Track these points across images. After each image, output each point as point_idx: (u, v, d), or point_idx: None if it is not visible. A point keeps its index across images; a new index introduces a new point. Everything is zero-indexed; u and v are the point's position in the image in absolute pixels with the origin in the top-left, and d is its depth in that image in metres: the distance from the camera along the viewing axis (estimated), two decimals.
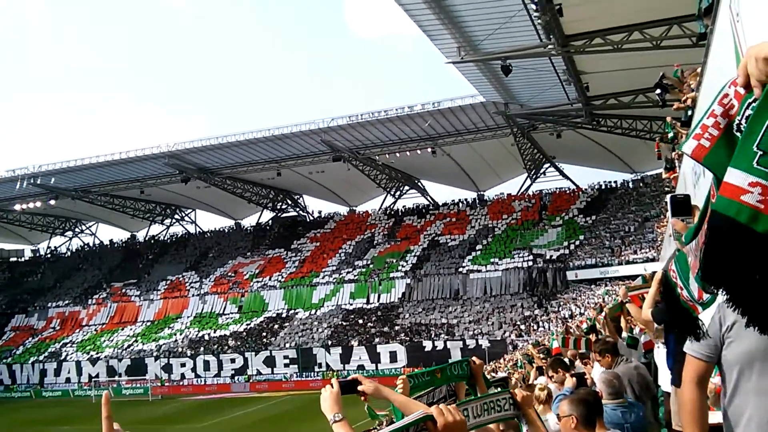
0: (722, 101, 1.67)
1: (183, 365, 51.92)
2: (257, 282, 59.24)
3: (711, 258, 1.47)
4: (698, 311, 2.28)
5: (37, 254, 78.86)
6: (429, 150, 51.45)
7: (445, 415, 2.09)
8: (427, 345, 45.87)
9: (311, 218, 68.67)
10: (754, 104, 1.43)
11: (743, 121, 1.47)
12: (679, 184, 12.39)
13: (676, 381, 5.41)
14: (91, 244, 77.36)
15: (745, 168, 1.40)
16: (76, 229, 77.60)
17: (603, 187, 57.56)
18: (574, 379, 6.69)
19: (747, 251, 1.39)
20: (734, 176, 1.41)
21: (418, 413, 2.19)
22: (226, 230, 72.15)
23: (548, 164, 58.71)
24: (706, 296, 2.21)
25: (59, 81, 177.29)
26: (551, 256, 50.53)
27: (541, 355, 12.42)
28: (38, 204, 63.70)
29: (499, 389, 3.60)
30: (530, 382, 10.24)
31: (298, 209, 70.22)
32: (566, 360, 9.71)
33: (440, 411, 2.11)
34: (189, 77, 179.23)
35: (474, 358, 3.70)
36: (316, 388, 45.00)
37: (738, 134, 1.51)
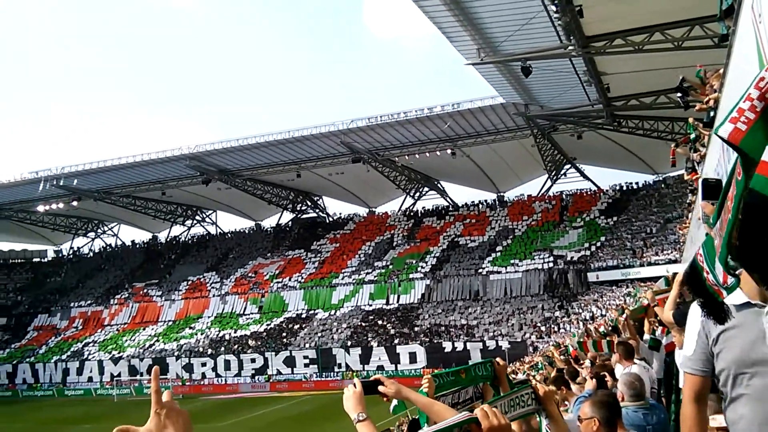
0: (758, 85, 1.67)
1: (204, 365, 52.25)
2: (277, 282, 59.49)
3: (746, 235, 1.48)
4: (723, 296, 2.29)
5: (60, 255, 79.80)
6: (448, 151, 51.39)
7: (490, 418, 2.07)
8: (447, 346, 45.79)
9: (331, 219, 68.83)
10: None
11: None
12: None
13: None
14: (113, 245, 78.18)
15: None
16: (99, 230, 78.42)
17: (624, 188, 57.16)
18: (595, 380, 6.68)
19: None
20: None
21: (462, 415, 2.19)
22: (247, 231, 72.53)
23: (569, 165, 58.41)
24: (730, 280, 2.22)
25: (77, 84, 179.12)
26: (572, 258, 50.25)
27: (562, 357, 12.40)
28: (61, 205, 64.42)
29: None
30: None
31: (317, 210, 70.43)
32: (579, 367, 9.69)
33: (485, 414, 2.09)
34: (209, 80, 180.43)
35: (498, 359, 3.72)
36: (335, 388, 45.22)
37: None
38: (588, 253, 50.11)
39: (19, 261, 78.09)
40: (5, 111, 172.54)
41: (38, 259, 79.26)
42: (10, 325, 66.92)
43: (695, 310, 2.33)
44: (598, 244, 50.67)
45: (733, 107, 1.65)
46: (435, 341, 46.71)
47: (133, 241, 77.27)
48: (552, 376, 7.33)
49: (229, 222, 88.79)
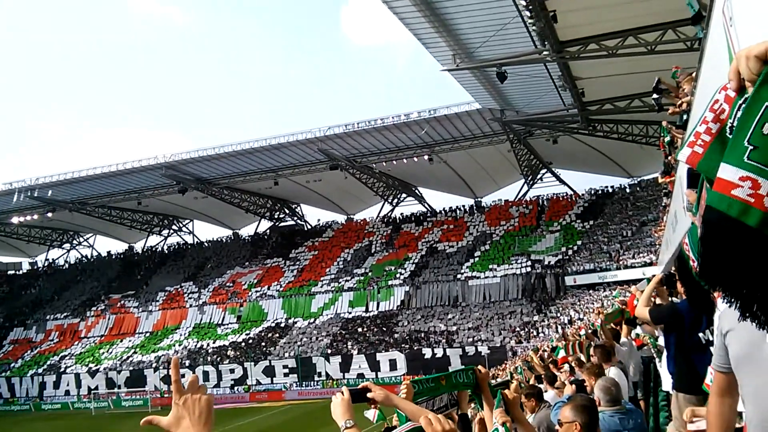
0: (713, 107, 1.71)
1: (182, 376, 51.27)
2: (256, 291, 59.16)
3: (706, 253, 1.48)
4: None
5: (35, 267, 78.79)
6: (426, 157, 51.51)
7: (434, 425, 2.10)
8: (427, 352, 45.77)
9: (309, 227, 68.65)
10: (744, 105, 1.45)
11: (735, 123, 1.49)
12: (676, 187, 12.41)
13: (677, 385, 5.41)
14: (89, 256, 77.30)
15: (736, 163, 1.42)
16: (74, 242, 77.54)
17: (600, 192, 57.64)
18: (574, 386, 6.68)
19: (739, 245, 1.41)
20: (726, 171, 1.43)
21: (407, 425, 2.19)
22: (224, 240, 72.10)
23: (545, 170, 58.81)
24: None
25: (50, 95, 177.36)
26: (549, 262, 50.54)
27: (542, 363, 12.40)
28: (36, 216, 63.70)
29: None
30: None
31: (295, 218, 70.23)
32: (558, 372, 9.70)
33: (428, 421, 2.12)
34: (184, 89, 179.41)
35: (480, 367, 3.70)
36: (316, 397, 45.01)
37: (730, 136, 1.52)
38: (565, 257, 50.44)
39: None
40: None
41: (13, 272, 78.12)
42: None
43: (720, 305, 2.32)
44: (575, 248, 51.01)
45: (690, 131, 1.69)
46: (415, 348, 46.68)
47: (109, 252, 76.46)
48: (526, 386, 7.31)
49: (206, 231, 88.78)
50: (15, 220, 65.12)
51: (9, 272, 77.83)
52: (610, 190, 57.42)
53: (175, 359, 1.95)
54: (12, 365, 59.85)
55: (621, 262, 45.74)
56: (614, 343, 7.98)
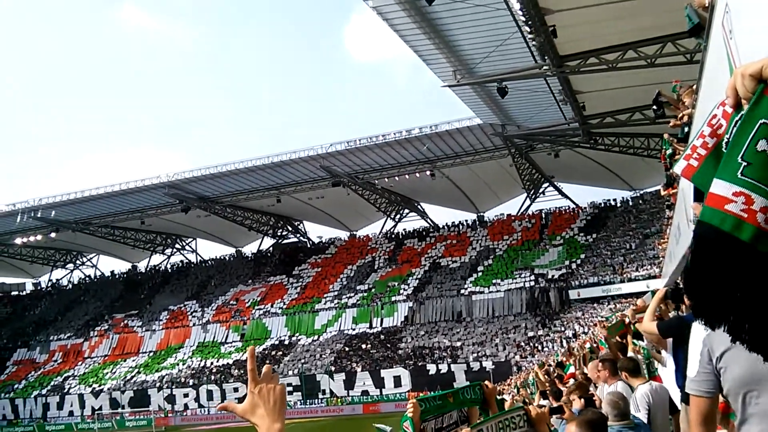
0: (711, 122, 1.74)
1: (186, 395, 51.56)
2: (259, 309, 59.05)
3: (696, 267, 1.49)
4: None
5: (39, 287, 78.74)
6: (428, 173, 51.58)
7: None
8: (431, 368, 45.59)
9: (312, 244, 68.64)
10: (739, 121, 1.47)
11: (731, 138, 1.51)
12: (679, 199, 12.41)
13: (686, 399, 5.38)
14: (92, 276, 77.27)
15: (730, 178, 1.43)
16: (77, 261, 77.55)
17: (602, 205, 57.61)
18: (582, 400, 6.63)
19: (731, 260, 1.41)
20: (719, 186, 1.45)
21: None
22: (227, 258, 72.08)
23: (547, 184, 58.83)
24: None
25: (55, 117, 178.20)
26: (553, 276, 50.44)
27: (547, 378, 12.34)
28: (39, 237, 63.83)
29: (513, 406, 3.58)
30: (536, 404, 10.13)
31: (298, 235, 70.23)
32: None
33: None
34: (185, 109, 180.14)
35: (486, 382, 3.67)
36: (320, 415, 44.82)
37: (725, 151, 1.54)
38: (569, 270, 50.34)
39: None
40: None
41: (16, 292, 78.02)
42: None
43: (697, 329, 2.28)
44: (579, 261, 50.93)
45: (688, 144, 1.72)
46: (419, 364, 46.50)
47: (112, 272, 76.42)
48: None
49: (209, 249, 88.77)
50: (18, 240, 65.20)
51: (13, 293, 77.76)
52: (613, 203, 57.40)
53: (251, 348, 2.01)
54: (16, 386, 59.68)
55: (625, 275, 45.65)
56: (620, 356, 7.93)
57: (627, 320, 10.25)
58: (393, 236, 64.35)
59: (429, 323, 51.53)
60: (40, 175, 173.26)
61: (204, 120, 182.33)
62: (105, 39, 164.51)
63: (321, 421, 43.96)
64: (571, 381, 10.14)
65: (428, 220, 64.73)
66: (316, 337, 53.88)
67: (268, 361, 52.27)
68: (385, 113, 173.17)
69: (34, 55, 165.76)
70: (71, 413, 54.43)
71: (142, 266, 75.62)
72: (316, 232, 69.82)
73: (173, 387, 52.47)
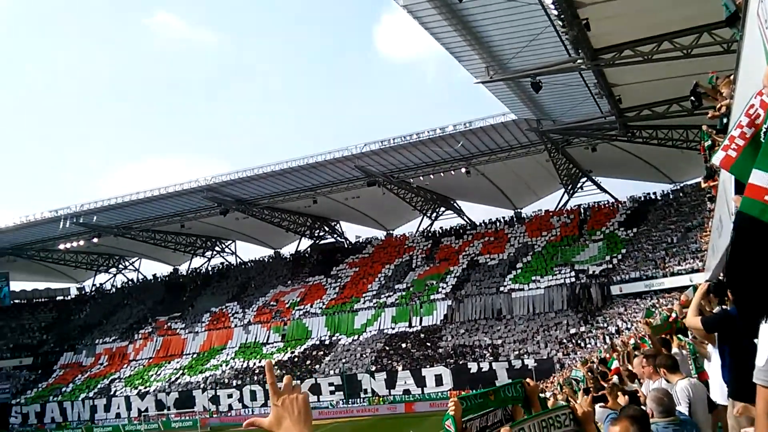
0: (748, 112, 1.73)
1: (230, 396, 52.14)
2: (299, 310, 59.47)
3: (737, 259, 1.48)
4: None
5: (83, 292, 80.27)
6: (463, 170, 51.39)
7: None
8: (473, 367, 45.43)
9: (349, 244, 68.89)
10: None
11: None
12: (720, 191, 12.21)
13: (734, 393, 5.31)
14: (134, 280, 78.60)
15: None
16: (120, 266, 78.95)
17: (642, 198, 56.77)
18: (627, 396, 6.58)
19: None
20: (758, 177, 1.44)
21: None
22: (266, 260, 72.70)
23: (585, 178, 58.18)
24: None
25: (92, 126, 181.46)
26: (594, 272, 49.87)
27: (591, 375, 12.23)
28: (82, 242, 65.05)
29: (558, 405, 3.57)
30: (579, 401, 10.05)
31: (335, 236, 70.54)
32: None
33: None
34: (220, 113, 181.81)
35: (528, 380, 3.67)
36: (362, 414, 44.99)
37: (764, 141, 1.53)
38: (610, 266, 49.73)
39: (43, 300, 78.54)
40: (23, 150, 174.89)
41: (62, 297, 79.65)
42: (37, 365, 67.21)
43: None
44: (620, 256, 50.27)
45: (726, 134, 1.70)
46: (460, 362, 46.37)
47: (154, 275, 77.71)
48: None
49: (248, 251, 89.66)
50: (62, 246, 66.55)
51: (58, 298, 79.44)
52: (653, 196, 56.51)
53: (268, 362, 2.04)
54: (63, 390, 60.96)
55: (667, 270, 44.94)
56: (664, 351, 7.84)
57: (672, 317, 10.13)
58: (430, 235, 64.26)
59: (469, 321, 51.36)
60: (82, 182, 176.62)
61: (239, 124, 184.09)
62: (140, 46, 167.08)
63: (363, 420, 44.13)
64: (615, 377, 10.06)
65: (465, 218, 64.52)
66: (356, 337, 54.07)
67: (308, 362, 52.65)
68: (418, 112, 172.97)
69: (73, 64, 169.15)
70: (118, 415, 55.43)
71: (183, 269, 76.73)
72: (353, 232, 70.14)
73: (217, 388, 53.10)
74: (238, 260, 74.53)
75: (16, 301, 75.92)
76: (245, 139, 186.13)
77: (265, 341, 58.27)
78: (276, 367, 52.15)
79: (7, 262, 71.75)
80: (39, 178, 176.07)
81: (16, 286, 76.17)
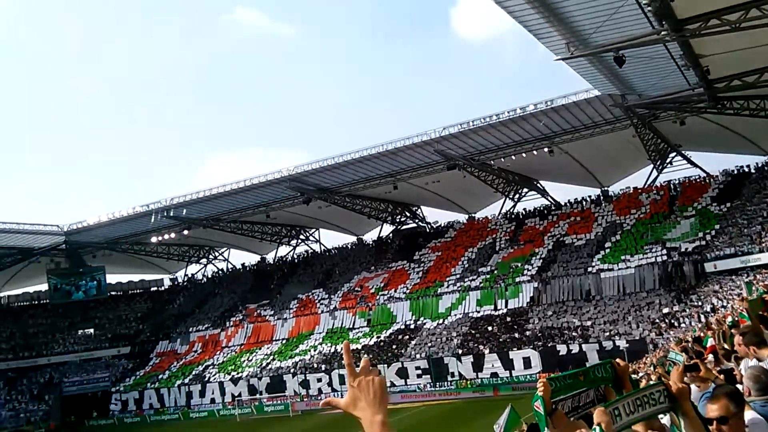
0: None
1: (319, 380, 53.17)
2: (383, 295, 59.97)
3: None
4: None
5: (176, 282, 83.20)
6: (546, 150, 50.51)
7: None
8: (562, 349, 44.80)
9: (431, 228, 68.91)
10: None
11: None
12: None
13: None
14: (224, 269, 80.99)
15: None
16: (210, 256, 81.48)
17: (735, 172, 54.42)
18: (722, 376, 6.39)
19: None
20: None
21: None
22: (349, 246, 73.59)
23: (674, 153, 56.22)
24: None
25: (177, 121, 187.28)
26: (686, 249, 48.22)
27: (686, 355, 11.91)
28: (173, 235, 67.61)
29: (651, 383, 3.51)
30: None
31: (417, 220, 70.67)
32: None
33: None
34: (298, 103, 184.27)
35: (618, 360, 3.62)
36: (450, 398, 45.09)
37: None
38: (703, 242, 47.98)
39: (138, 291, 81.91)
40: (113, 149, 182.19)
41: (155, 288, 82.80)
42: (135, 353, 70.27)
43: None
44: (713, 232, 48.43)
45: None
46: (549, 345, 45.80)
47: (243, 264, 79.86)
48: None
49: (332, 239, 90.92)
50: (154, 239, 69.38)
51: (152, 289, 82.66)
52: (746, 169, 54.09)
53: (346, 343, 2.11)
54: (160, 377, 63.55)
55: (764, 244, 43.05)
56: (763, 329, 7.54)
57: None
58: (513, 216, 63.53)
59: (556, 303, 50.61)
60: (170, 176, 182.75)
61: (318, 114, 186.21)
62: (218, 42, 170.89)
63: (451, 403, 44.25)
64: (710, 356, 9.78)
65: (549, 198, 63.45)
66: (441, 321, 54.13)
67: (395, 346, 53.12)
68: (497, 92, 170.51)
69: (155, 61, 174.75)
70: (213, 400, 57.37)
71: (270, 258, 78.57)
72: (434, 216, 70.11)
73: (306, 372, 54.24)
74: (322, 248, 75.77)
75: (113, 293, 79.53)
76: (325, 129, 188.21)
77: (351, 326, 59.08)
78: (363, 352, 52.96)
79: (103, 256, 75.38)
80: (131, 174, 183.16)
81: (112, 278, 79.89)
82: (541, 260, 54.82)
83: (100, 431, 56.25)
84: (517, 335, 48.44)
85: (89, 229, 67.12)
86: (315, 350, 57.47)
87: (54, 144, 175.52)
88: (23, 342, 70.52)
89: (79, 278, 75.82)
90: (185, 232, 66.74)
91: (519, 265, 55.21)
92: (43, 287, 76.52)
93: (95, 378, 66.01)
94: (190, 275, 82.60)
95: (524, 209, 63.83)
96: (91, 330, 74.43)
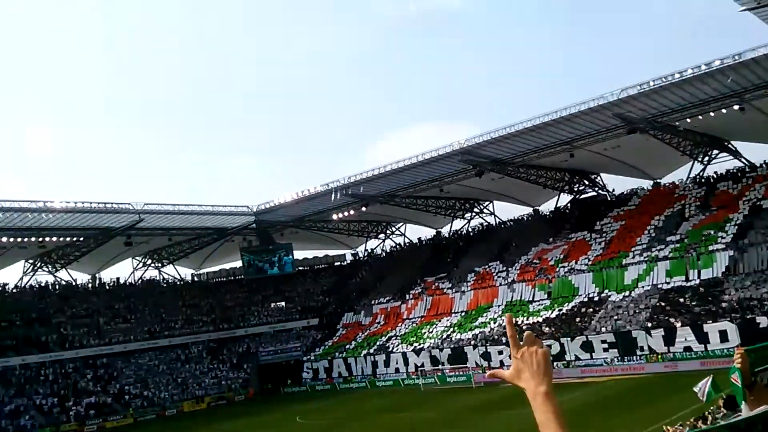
0: None
1: (500, 353, 53.05)
2: (563, 267, 58.52)
3: None
4: None
5: (357, 257, 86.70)
6: (736, 107, 46.69)
7: None
8: (762, 321, 41.47)
9: (612, 197, 66.18)
10: None
11: None
12: None
13: None
14: (402, 244, 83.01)
15: None
16: (388, 231, 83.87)
17: None
18: None
19: None
20: None
21: None
22: (525, 218, 72.54)
23: None
24: None
25: (347, 103, 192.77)
26: None
27: None
28: (352, 212, 70.24)
29: None
30: None
31: (596, 189, 68.16)
32: None
33: None
34: (464, 75, 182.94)
35: None
36: (639, 372, 43.36)
37: None
38: None
39: (323, 266, 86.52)
40: (293, 130, 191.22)
41: (339, 263, 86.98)
42: (323, 325, 74.13)
43: None
44: None
45: None
46: (747, 317, 42.56)
47: (419, 239, 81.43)
48: None
49: (506, 211, 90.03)
50: (335, 216, 72.52)
51: (336, 264, 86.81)
52: None
53: (508, 315, 2.20)
54: (347, 347, 66.46)
55: None
56: None
57: None
58: (703, 181, 59.42)
59: (755, 272, 46.79)
60: (347, 155, 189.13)
61: (484, 86, 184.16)
62: (381, 19, 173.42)
63: (640, 378, 42.60)
64: None
65: (742, 160, 58.64)
66: (627, 293, 51.88)
67: (578, 319, 51.78)
68: (676, 49, 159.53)
69: (337, 45, 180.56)
70: (397, 370, 59.21)
71: (445, 231, 79.41)
72: (615, 184, 67.35)
73: (487, 344, 54.35)
74: (497, 220, 75.31)
75: (300, 268, 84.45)
76: (492, 100, 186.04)
77: (530, 299, 58.29)
78: (544, 325, 52.19)
79: (290, 234, 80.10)
80: (310, 157, 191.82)
81: (299, 254, 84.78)
82: (736, 227, 50.87)
83: (295, 398, 59.90)
84: (711, 307, 45.43)
85: (276, 209, 71.27)
86: (494, 323, 57.37)
87: (239, 132, 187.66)
88: (222, 315, 76.49)
89: (270, 255, 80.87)
90: (363, 208, 69.10)
91: (712, 232, 51.56)
92: (237, 264, 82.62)
93: (288, 348, 70.55)
94: (370, 250, 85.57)
95: (715, 173, 59.48)
96: (282, 303, 79.51)
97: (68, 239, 65.43)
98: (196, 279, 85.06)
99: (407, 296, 68.86)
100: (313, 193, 65.93)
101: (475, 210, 76.01)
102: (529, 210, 73.09)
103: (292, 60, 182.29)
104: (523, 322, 54.76)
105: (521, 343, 2.06)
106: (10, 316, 63.82)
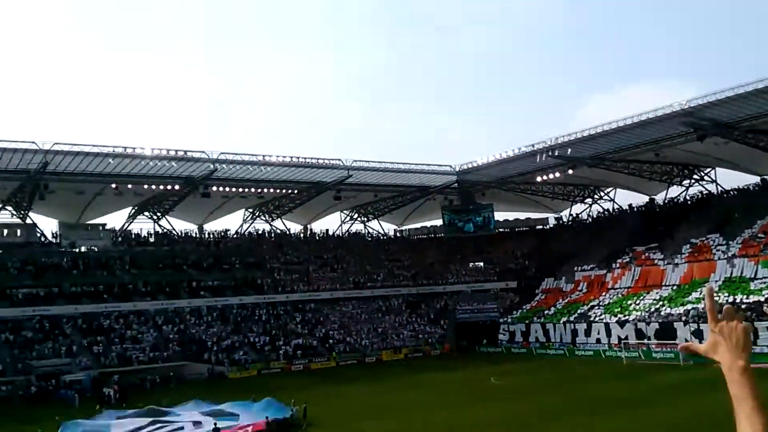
0: None
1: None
2: None
3: None
4: None
5: (560, 221, 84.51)
6: None
7: None
8: None
9: None
10: None
11: None
12: None
13: None
14: (610, 210, 79.54)
15: None
16: (595, 196, 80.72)
17: None
18: None
19: None
20: None
21: None
22: (751, 188, 66.31)
23: None
24: None
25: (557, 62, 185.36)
26: None
27: None
28: (557, 174, 68.25)
29: None
30: None
31: None
32: None
33: None
34: (689, 30, 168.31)
35: None
36: None
37: None
38: None
39: (524, 229, 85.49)
40: (500, 94, 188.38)
41: (540, 227, 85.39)
42: (521, 288, 73.39)
43: None
44: None
45: None
46: None
47: (630, 205, 77.63)
48: None
49: (730, 179, 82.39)
50: (539, 178, 70.93)
51: (537, 227, 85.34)
52: None
53: (709, 287, 2.13)
54: (545, 312, 65.25)
55: None
56: None
57: None
58: None
59: None
60: (555, 115, 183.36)
61: (713, 42, 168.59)
62: None
63: None
64: None
65: None
66: None
67: None
68: None
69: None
70: (598, 340, 57.16)
71: (659, 198, 74.85)
72: None
73: (700, 322, 50.74)
74: (719, 189, 69.52)
75: (500, 230, 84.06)
76: (718, 59, 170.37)
77: (752, 276, 53.38)
78: (765, 305, 47.73)
79: (492, 195, 79.79)
80: (514, 118, 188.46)
81: (500, 216, 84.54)
82: None
83: (490, 358, 59.93)
84: None
85: (478, 169, 71.13)
86: None
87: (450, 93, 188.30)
88: (422, 271, 78.22)
89: (470, 215, 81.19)
90: (569, 171, 66.87)
91: None
92: (438, 222, 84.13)
93: (485, 308, 70.79)
94: (574, 215, 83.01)
95: None
96: (481, 263, 79.82)
97: (284, 191, 70.50)
98: (398, 235, 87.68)
99: (613, 265, 66.00)
100: (517, 154, 64.89)
101: (695, 177, 70.73)
102: (756, 179, 66.67)
103: (498, 18, 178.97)
104: (742, 300, 50.36)
105: (719, 316, 2.02)
106: (230, 260, 70.27)
